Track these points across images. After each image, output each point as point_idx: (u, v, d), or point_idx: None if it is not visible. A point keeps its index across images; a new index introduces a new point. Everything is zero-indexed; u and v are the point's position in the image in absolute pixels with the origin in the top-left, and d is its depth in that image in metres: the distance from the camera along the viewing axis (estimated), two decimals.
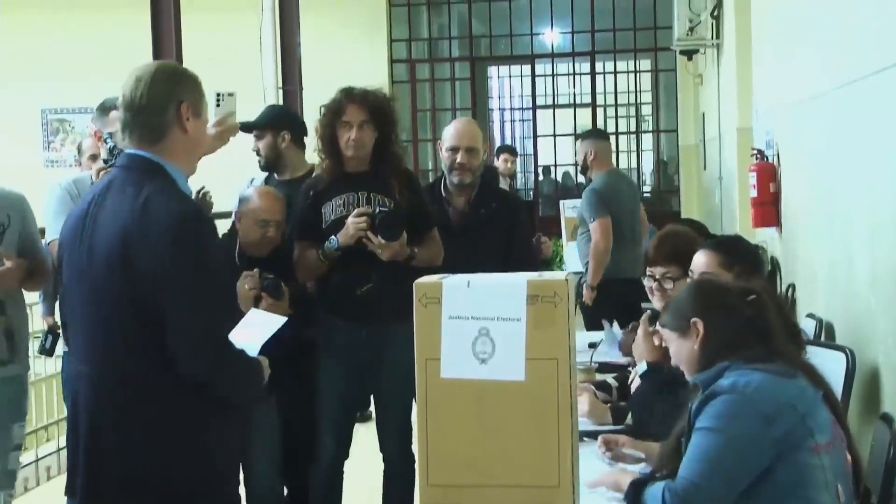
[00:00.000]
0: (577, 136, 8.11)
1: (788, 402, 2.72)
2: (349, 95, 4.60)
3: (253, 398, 3.41)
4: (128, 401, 2.97)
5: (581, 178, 18.26)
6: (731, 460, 2.70)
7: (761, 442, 2.69)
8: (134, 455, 2.97)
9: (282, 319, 3.44)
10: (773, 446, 2.69)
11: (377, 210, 4.52)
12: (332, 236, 4.53)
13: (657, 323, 3.20)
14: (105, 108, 4.51)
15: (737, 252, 3.72)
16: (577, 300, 7.46)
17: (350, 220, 4.49)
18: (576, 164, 9.02)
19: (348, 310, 4.58)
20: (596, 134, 8.02)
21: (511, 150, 10.70)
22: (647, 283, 4.13)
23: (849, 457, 2.88)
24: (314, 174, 4.85)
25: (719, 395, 2.74)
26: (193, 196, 4.44)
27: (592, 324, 6.72)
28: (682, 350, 2.95)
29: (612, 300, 6.52)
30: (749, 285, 3.05)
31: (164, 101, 3.01)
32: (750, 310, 2.90)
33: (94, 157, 5.29)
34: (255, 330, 3.27)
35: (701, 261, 3.69)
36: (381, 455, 4.78)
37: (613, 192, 7.08)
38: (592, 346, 5.08)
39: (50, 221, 4.50)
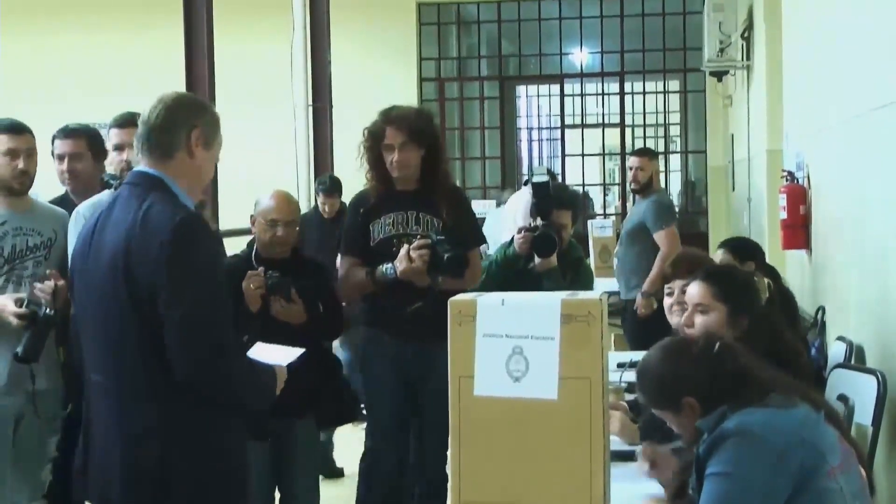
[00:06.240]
0: (634, 153, 8.24)
1: (796, 434, 2.71)
2: (387, 118, 4.64)
3: (258, 406, 3.46)
4: (135, 408, 3.05)
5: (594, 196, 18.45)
6: (750, 502, 2.68)
7: (777, 479, 2.67)
8: (141, 462, 3.03)
9: (298, 351, 3.47)
10: (790, 480, 2.67)
11: (435, 238, 4.52)
12: (389, 265, 4.53)
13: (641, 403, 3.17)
14: (117, 122, 4.54)
15: (731, 284, 3.66)
16: (626, 317, 7.54)
17: (413, 253, 4.46)
18: (622, 183, 9.21)
19: (397, 327, 4.61)
20: (656, 154, 8.27)
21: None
22: (666, 301, 4.15)
23: (862, 470, 2.86)
24: (362, 190, 4.85)
25: (727, 439, 2.71)
26: None
27: (637, 343, 6.75)
28: (683, 425, 2.91)
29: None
30: (709, 334, 3.05)
31: (178, 123, 3.16)
32: (724, 360, 2.87)
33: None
34: (275, 356, 3.37)
35: (695, 291, 3.64)
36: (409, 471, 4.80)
37: (674, 208, 7.57)
38: (622, 366, 5.07)
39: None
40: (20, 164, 4.33)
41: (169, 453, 3.02)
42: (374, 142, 4.65)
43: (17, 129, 4.39)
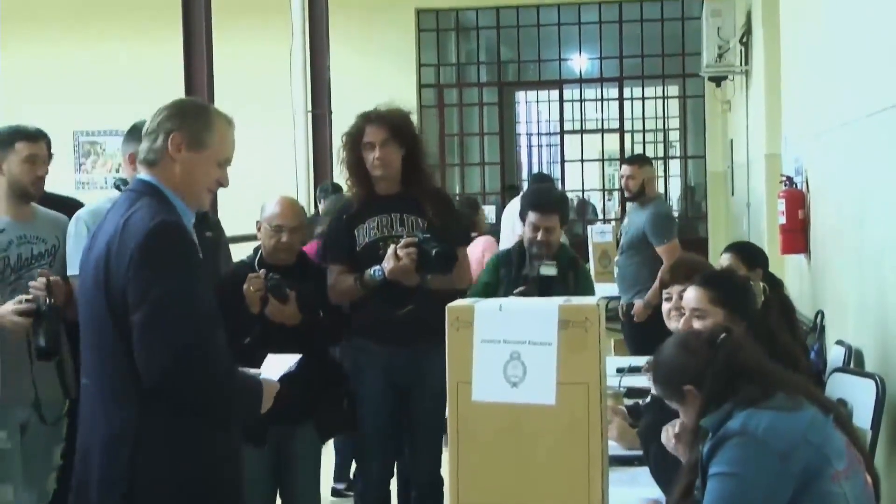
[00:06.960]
0: (624, 160, 8.16)
1: (801, 436, 2.71)
2: (366, 117, 4.64)
3: (240, 417, 3.35)
4: (115, 411, 3.05)
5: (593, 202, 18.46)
6: (752, 502, 2.68)
7: (780, 480, 2.67)
8: (114, 465, 3.03)
9: (296, 357, 3.47)
10: (793, 481, 2.67)
11: (421, 236, 4.51)
12: (377, 267, 4.51)
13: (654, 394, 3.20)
14: (137, 130, 4.52)
15: (728, 289, 3.67)
16: (626, 322, 7.50)
17: (401, 252, 4.44)
18: (620, 189, 9.11)
19: (387, 333, 4.59)
20: (648, 160, 8.06)
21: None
22: (665, 306, 4.16)
23: (868, 478, 2.86)
24: (345, 198, 4.86)
25: (731, 439, 2.72)
26: None
27: (637, 348, 6.74)
28: (689, 415, 2.94)
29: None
30: (717, 325, 3.08)
31: (158, 129, 3.19)
32: (724, 352, 2.89)
33: None
34: (272, 370, 3.37)
35: (692, 296, 3.65)
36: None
37: (673, 218, 7.33)
38: (621, 371, 5.08)
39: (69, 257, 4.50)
40: (39, 170, 4.38)
41: (140, 458, 3.00)
42: (354, 143, 4.64)
43: (36, 137, 4.43)
